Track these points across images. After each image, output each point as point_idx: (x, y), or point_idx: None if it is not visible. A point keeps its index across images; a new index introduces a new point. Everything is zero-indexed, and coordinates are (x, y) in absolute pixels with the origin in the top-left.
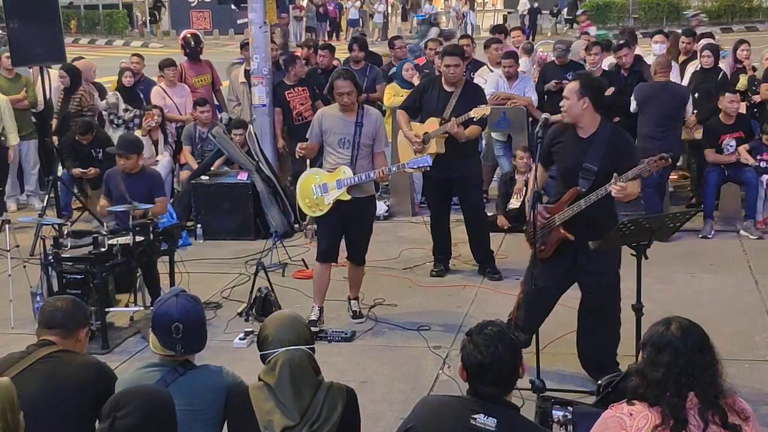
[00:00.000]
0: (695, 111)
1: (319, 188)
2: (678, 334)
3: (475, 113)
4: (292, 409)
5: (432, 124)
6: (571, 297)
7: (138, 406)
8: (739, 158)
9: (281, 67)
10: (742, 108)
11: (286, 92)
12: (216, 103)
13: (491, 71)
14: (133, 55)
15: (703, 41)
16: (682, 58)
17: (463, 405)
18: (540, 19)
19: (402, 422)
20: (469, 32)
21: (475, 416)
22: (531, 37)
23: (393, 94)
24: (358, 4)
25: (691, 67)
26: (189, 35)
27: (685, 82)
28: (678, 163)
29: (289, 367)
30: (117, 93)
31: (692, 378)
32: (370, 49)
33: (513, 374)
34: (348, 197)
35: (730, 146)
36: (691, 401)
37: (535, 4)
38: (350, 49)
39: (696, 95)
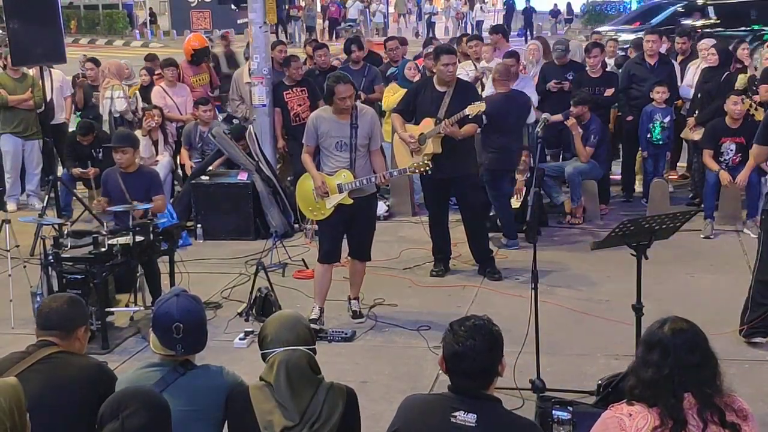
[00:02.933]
0: (696, 112)
1: (320, 194)
2: (668, 334)
3: (471, 110)
4: (290, 410)
5: (427, 124)
6: (571, 298)
7: (142, 406)
8: (731, 163)
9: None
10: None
11: (284, 92)
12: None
13: (474, 67)
14: (88, 60)
15: (705, 41)
16: (680, 58)
17: (443, 403)
18: (536, 19)
19: (389, 424)
20: (470, 32)
21: (455, 413)
22: (528, 38)
23: (392, 94)
24: (358, 3)
25: (693, 67)
26: (200, 47)
27: (687, 82)
28: (678, 163)
29: (286, 367)
30: (137, 93)
31: (684, 378)
32: (371, 49)
33: (489, 368)
34: (350, 201)
35: (730, 150)
36: (689, 402)
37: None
38: (349, 51)
39: (699, 95)
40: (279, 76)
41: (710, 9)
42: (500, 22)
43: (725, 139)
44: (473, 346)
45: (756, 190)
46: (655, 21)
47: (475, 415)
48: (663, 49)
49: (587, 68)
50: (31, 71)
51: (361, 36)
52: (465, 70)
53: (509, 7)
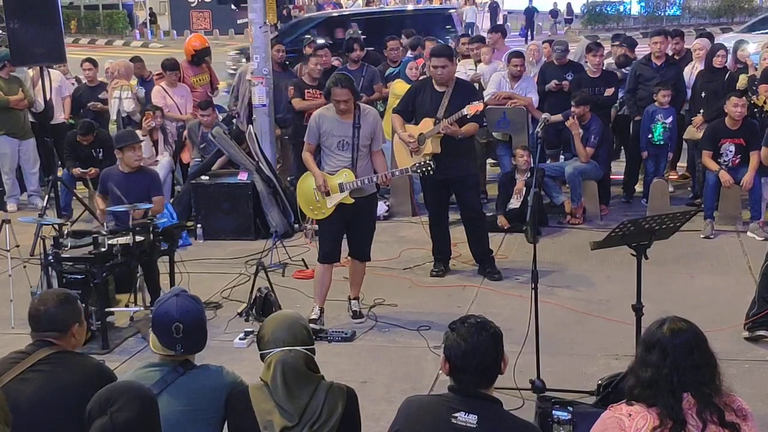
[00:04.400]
0: (702, 111)
1: (321, 191)
2: (667, 335)
3: (469, 110)
4: (288, 410)
5: (426, 124)
6: (571, 298)
7: (130, 399)
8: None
9: (287, 68)
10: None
11: (306, 90)
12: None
13: (475, 67)
14: (86, 60)
15: (698, 41)
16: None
17: (444, 404)
18: (537, 19)
19: (390, 426)
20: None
21: (456, 414)
22: (529, 38)
23: (404, 87)
24: (359, 3)
25: (688, 68)
26: (201, 48)
27: (687, 81)
28: (678, 163)
29: (281, 367)
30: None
31: (683, 378)
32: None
33: (495, 364)
34: (351, 201)
35: (729, 151)
36: (688, 402)
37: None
38: (351, 49)
39: (703, 95)
40: (277, 76)
41: (355, 23)
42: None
43: (725, 140)
44: (481, 343)
45: (758, 192)
46: (288, 40)
47: (476, 416)
48: (669, 50)
49: (587, 68)
50: (31, 71)
51: (361, 35)
52: (464, 69)
53: (493, 9)
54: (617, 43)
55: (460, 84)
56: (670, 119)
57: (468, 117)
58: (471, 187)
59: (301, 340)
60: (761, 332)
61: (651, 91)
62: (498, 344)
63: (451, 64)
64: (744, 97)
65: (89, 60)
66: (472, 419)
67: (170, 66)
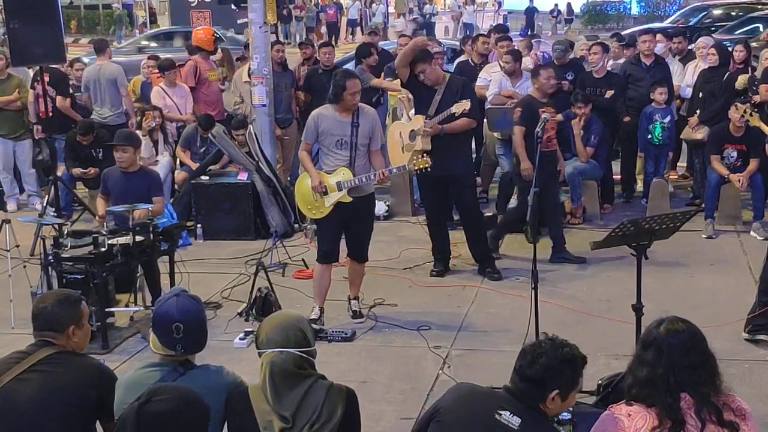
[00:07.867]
0: (697, 111)
1: (317, 192)
2: (663, 334)
3: (456, 108)
4: (277, 411)
5: (419, 121)
6: (571, 298)
7: (174, 397)
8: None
9: (287, 68)
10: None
11: (539, 109)
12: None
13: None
14: (77, 60)
15: (702, 39)
16: (677, 58)
17: (494, 397)
18: (537, 19)
19: (434, 402)
20: (467, 32)
21: (501, 412)
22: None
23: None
24: (358, 3)
25: (691, 67)
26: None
27: (686, 82)
28: (679, 163)
29: (270, 369)
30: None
31: (679, 378)
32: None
33: (537, 384)
34: (349, 199)
35: (732, 156)
36: (687, 402)
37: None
38: (368, 54)
39: (700, 95)
40: (277, 76)
41: None
42: (498, 22)
43: (728, 145)
44: (538, 354)
45: (761, 192)
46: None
47: (520, 420)
48: (659, 49)
49: (592, 68)
50: (31, 71)
51: (378, 34)
52: (487, 74)
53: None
54: (624, 42)
55: (452, 81)
56: (668, 118)
57: (456, 116)
58: (467, 187)
59: (294, 342)
60: (762, 336)
61: (641, 91)
62: (553, 372)
63: (430, 65)
64: (747, 104)
65: (79, 60)
66: (515, 421)
67: (167, 66)
